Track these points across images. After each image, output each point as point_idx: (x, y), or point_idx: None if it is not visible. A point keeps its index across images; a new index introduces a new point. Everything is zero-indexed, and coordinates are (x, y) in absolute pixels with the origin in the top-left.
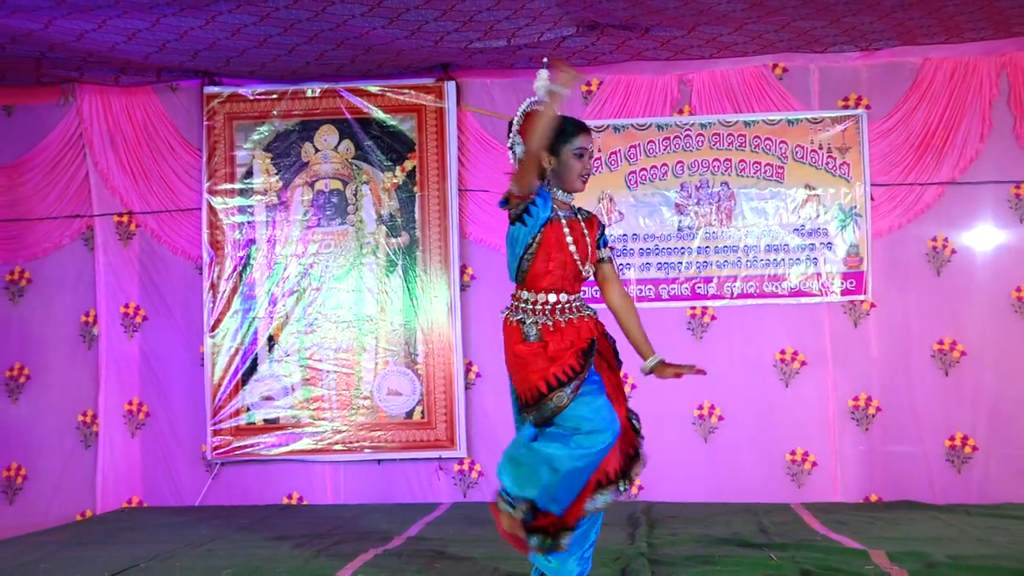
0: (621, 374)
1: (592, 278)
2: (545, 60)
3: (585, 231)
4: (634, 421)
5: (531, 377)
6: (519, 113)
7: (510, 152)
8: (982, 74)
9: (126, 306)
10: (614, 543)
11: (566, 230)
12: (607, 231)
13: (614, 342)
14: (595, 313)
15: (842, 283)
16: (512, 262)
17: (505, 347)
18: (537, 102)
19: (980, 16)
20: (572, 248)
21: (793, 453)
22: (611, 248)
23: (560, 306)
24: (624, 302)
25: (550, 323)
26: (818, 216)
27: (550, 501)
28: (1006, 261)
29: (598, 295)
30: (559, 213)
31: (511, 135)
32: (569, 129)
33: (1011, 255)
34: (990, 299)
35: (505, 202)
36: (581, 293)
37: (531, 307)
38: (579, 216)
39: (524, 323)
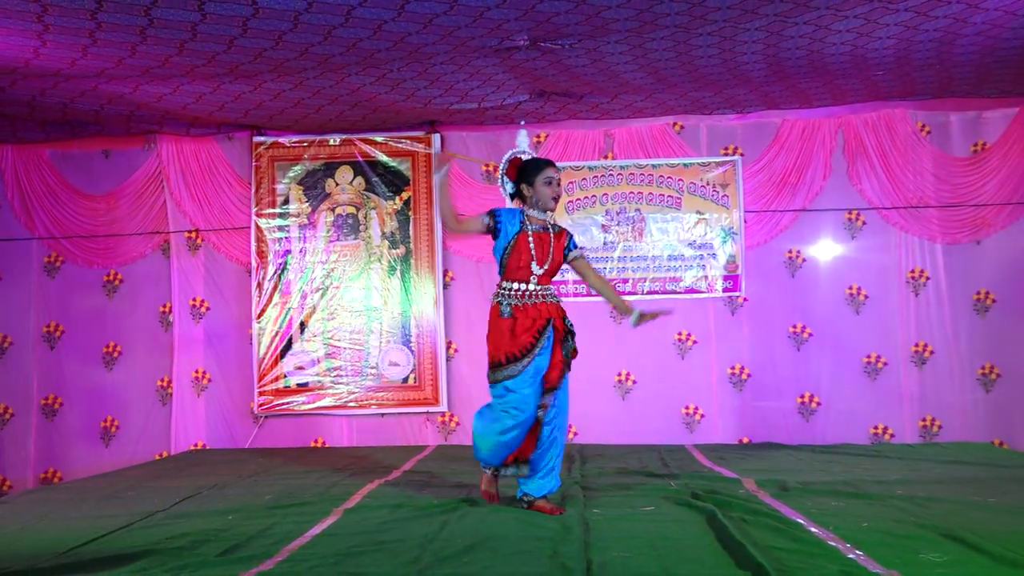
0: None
1: (556, 273)
2: (522, 123)
3: (552, 241)
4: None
5: (497, 349)
6: (504, 161)
7: (501, 188)
8: (824, 131)
9: (193, 300)
10: None
11: (530, 239)
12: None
13: (571, 326)
14: (559, 301)
15: (723, 283)
16: (498, 262)
17: (488, 321)
18: (519, 152)
19: (823, 89)
20: (533, 252)
21: (687, 408)
22: (581, 249)
23: (527, 292)
24: (600, 283)
25: (520, 304)
26: (706, 234)
27: (492, 457)
28: (841, 267)
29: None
30: (529, 226)
31: (500, 176)
32: (540, 164)
33: (845, 262)
34: (830, 294)
35: (487, 230)
36: (549, 285)
37: (507, 292)
38: (551, 230)
39: (502, 304)
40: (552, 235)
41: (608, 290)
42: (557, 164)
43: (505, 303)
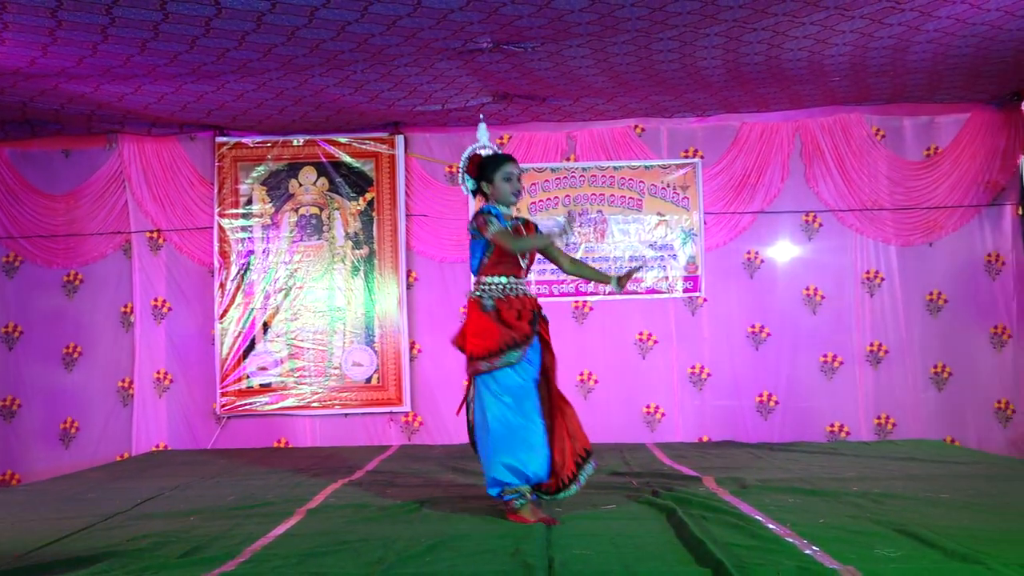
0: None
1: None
2: (481, 116)
3: (524, 232)
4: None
5: (491, 339)
6: (463, 158)
7: (462, 185)
8: (782, 135)
9: (155, 300)
10: None
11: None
12: None
13: (547, 321)
14: (534, 296)
15: (683, 284)
16: (473, 261)
17: (468, 316)
18: (479, 147)
19: (781, 94)
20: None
21: (648, 407)
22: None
23: (508, 286)
24: (573, 263)
25: (502, 297)
26: (666, 235)
27: (512, 471)
28: (799, 268)
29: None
30: (506, 222)
31: (461, 172)
32: (500, 160)
33: (802, 263)
34: (787, 295)
35: (476, 231)
36: (523, 278)
37: (489, 287)
38: (519, 222)
39: (483, 298)
40: (522, 227)
41: (583, 267)
42: (521, 166)
43: (487, 297)
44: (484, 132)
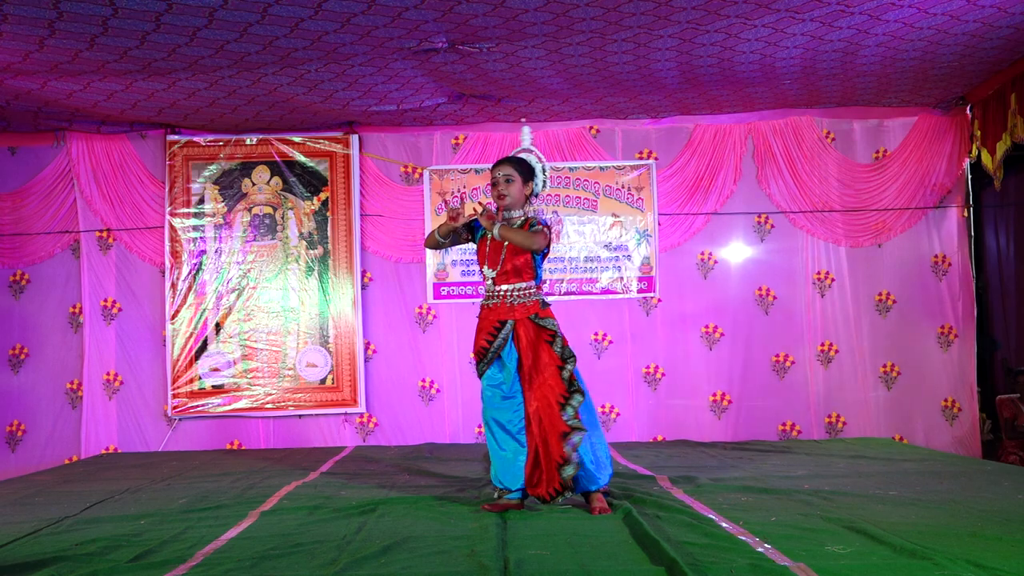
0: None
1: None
2: (523, 120)
3: (506, 244)
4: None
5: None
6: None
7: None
8: (735, 137)
9: (105, 300)
10: (474, 474)
11: (487, 243)
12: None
13: (545, 329)
14: (532, 303)
15: (638, 284)
16: None
17: None
18: (523, 150)
19: (734, 97)
20: (486, 256)
21: (603, 407)
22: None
23: (490, 292)
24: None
25: (487, 304)
26: (621, 236)
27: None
28: (752, 268)
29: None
30: (489, 232)
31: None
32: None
33: (755, 264)
34: (740, 295)
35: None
36: (513, 285)
37: (484, 291)
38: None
39: (482, 304)
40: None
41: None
42: (477, 166)
43: (480, 302)
44: (528, 135)
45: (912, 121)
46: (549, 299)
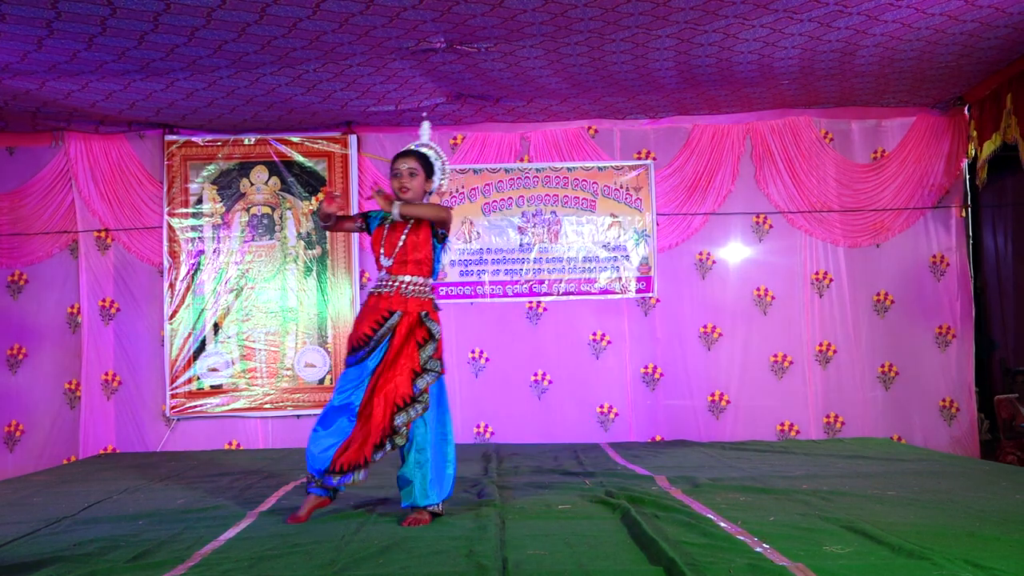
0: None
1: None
2: (424, 114)
3: (408, 232)
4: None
5: (350, 336)
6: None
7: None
8: (733, 137)
9: (103, 300)
10: (472, 474)
11: (384, 231)
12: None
13: (427, 330)
14: (427, 300)
15: (636, 284)
16: None
17: None
18: (422, 144)
19: (732, 97)
20: (382, 244)
21: (602, 407)
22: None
23: (382, 281)
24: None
25: (377, 292)
26: (619, 236)
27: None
28: (750, 268)
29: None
30: (386, 221)
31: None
32: (394, 158)
33: (754, 264)
34: (739, 295)
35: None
36: (411, 277)
37: (377, 280)
38: (410, 221)
39: (370, 292)
40: (410, 225)
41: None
42: (474, 166)
43: (367, 291)
44: (427, 130)
45: (910, 121)
46: (546, 299)
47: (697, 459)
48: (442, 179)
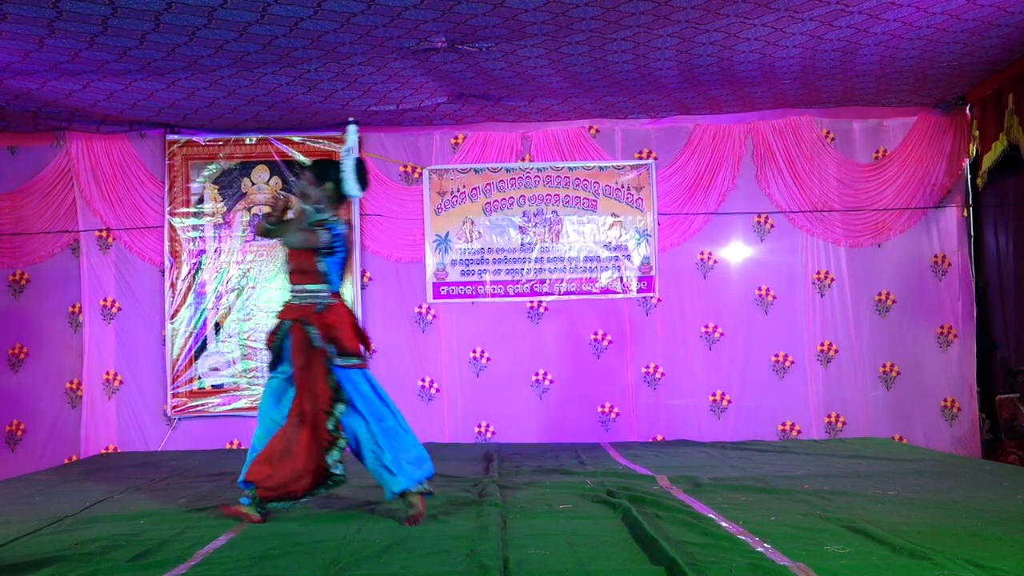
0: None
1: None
2: (351, 118)
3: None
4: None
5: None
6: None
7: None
8: (735, 136)
9: (104, 300)
10: (473, 474)
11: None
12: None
13: (315, 329)
14: (307, 304)
15: (637, 284)
16: None
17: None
18: (347, 149)
19: (733, 97)
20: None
21: (603, 406)
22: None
23: (288, 291)
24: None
25: (287, 301)
26: (621, 236)
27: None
28: (751, 268)
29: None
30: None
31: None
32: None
33: (755, 264)
34: (740, 295)
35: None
36: (301, 286)
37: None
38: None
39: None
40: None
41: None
42: (476, 166)
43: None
44: (352, 133)
45: (912, 121)
46: (547, 299)
47: (698, 459)
48: (351, 177)
